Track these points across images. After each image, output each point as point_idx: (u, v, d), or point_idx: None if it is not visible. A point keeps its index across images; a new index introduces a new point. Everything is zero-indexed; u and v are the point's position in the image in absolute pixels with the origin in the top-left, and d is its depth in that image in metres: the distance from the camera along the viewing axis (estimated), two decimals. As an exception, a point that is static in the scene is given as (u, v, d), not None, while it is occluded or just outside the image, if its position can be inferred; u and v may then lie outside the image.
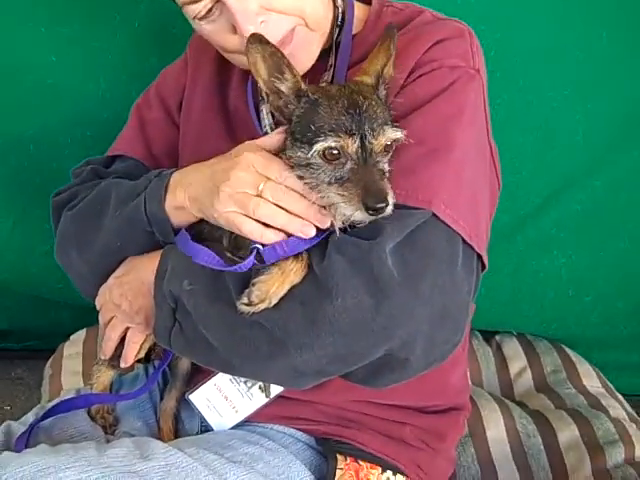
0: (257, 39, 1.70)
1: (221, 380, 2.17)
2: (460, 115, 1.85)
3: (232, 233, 1.83)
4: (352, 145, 1.63)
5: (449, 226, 1.75)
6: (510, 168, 2.83)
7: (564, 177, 2.95)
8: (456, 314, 1.79)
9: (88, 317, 2.54)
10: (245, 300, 1.68)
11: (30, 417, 2.22)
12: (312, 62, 2.02)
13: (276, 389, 2.14)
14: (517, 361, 3.22)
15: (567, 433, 2.71)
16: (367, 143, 1.63)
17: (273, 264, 1.70)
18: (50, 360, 3.17)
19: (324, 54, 2.06)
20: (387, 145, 1.68)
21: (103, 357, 2.22)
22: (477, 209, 1.88)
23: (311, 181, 1.68)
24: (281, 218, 1.71)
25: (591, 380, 3.09)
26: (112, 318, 2.14)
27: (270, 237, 1.71)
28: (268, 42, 1.70)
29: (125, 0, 2.85)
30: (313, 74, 1.98)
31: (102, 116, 2.92)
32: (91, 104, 2.94)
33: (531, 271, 3.14)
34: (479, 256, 1.89)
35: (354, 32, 2.10)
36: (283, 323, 1.68)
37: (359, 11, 2.15)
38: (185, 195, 1.88)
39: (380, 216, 1.61)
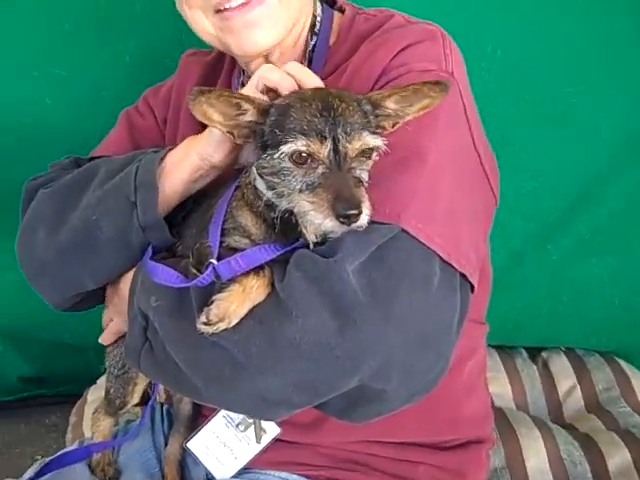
0: (196, 93, 1.61)
1: (217, 425, 2.09)
2: (433, 122, 1.70)
3: (196, 249, 1.76)
4: (323, 149, 1.52)
5: (422, 242, 1.59)
6: (532, 173, 2.71)
7: (591, 177, 2.73)
8: (437, 339, 1.64)
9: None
10: (203, 319, 1.57)
11: (29, 473, 2.14)
12: (273, 41, 1.93)
13: (270, 432, 2.04)
14: (566, 379, 3.00)
15: (617, 458, 2.49)
16: (340, 147, 1.52)
17: (235, 281, 1.59)
18: (75, 406, 3.12)
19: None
20: (364, 151, 1.55)
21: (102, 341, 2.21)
22: (458, 224, 1.71)
23: (282, 189, 1.58)
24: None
25: (648, 396, 2.86)
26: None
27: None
28: (209, 89, 1.62)
29: (115, 36, 2.83)
30: None
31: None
32: (90, 142, 2.85)
33: (569, 281, 2.93)
34: (464, 275, 1.71)
35: (331, 42, 2.03)
36: (243, 344, 1.58)
37: (335, 20, 2.08)
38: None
39: (354, 226, 1.48)
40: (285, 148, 1.54)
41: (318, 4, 2.09)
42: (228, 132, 1.70)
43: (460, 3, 2.52)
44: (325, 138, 1.52)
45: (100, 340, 2.21)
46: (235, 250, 1.68)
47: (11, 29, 2.78)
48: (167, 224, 1.90)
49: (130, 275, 1.93)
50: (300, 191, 1.55)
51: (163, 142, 2.30)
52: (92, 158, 2.25)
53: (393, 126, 1.67)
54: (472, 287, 1.76)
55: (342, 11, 2.11)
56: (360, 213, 1.46)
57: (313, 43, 2.04)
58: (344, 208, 1.46)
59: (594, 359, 3.05)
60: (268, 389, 1.60)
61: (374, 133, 1.57)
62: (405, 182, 1.63)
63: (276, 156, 1.56)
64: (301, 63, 1.99)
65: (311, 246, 1.62)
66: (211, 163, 1.85)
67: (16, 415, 4.02)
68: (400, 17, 1.97)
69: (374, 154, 1.58)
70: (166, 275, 1.74)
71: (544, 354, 3.13)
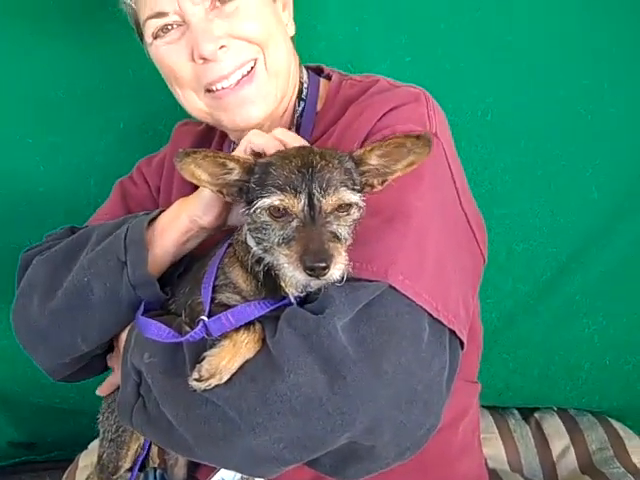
0: (182, 154, 1.66)
1: None
2: (418, 180, 1.74)
3: (188, 305, 1.80)
4: (297, 203, 1.55)
5: (410, 299, 1.62)
6: (522, 234, 2.74)
7: (582, 238, 2.76)
8: (426, 396, 1.64)
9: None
10: (195, 375, 1.61)
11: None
12: (265, 115, 2.02)
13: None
14: (559, 440, 2.97)
15: (610, 523, 2.46)
16: (315, 201, 1.55)
17: (225, 337, 1.63)
18: (66, 472, 3.04)
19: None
20: (341, 206, 1.58)
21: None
22: (445, 280, 1.75)
23: (265, 244, 1.63)
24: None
25: (641, 456, 2.83)
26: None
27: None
28: (194, 150, 1.66)
29: (109, 103, 2.85)
30: None
31: (94, 218, 2.88)
32: (83, 209, 2.86)
33: (561, 341, 2.93)
34: (453, 331, 1.73)
35: (318, 109, 2.09)
36: (235, 401, 1.60)
37: (321, 87, 2.15)
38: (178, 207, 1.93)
39: (323, 280, 1.52)
40: (260, 202, 1.59)
41: (304, 71, 2.17)
42: (218, 191, 1.74)
43: (451, 68, 2.58)
44: (300, 193, 1.55)
45: (97, 391, 2.22)
46: (226, 306, 1.71)
47: (5, 96, 2.80)
48: (160, 282, 1.93)
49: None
50: (278, 244, 1.59)
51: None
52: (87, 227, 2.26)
53: (382, 183, 1.70)
54: (462, 344, 1.79)
55: (329, 78, 2.18)
56: (327, 266, 1.48)
57: (301, 109, 2.11)
58: (310, 260, 1.49)
59: (587, 419, 3.03)
60: (259, 445, 1.61)
61: (353, 190, 1.60)
62: (392, 240, 1.67)
63: (252, 210, 1.62)
64: (289, 129, 2.06)
65: (292, 300, 1.66)
66: (200, 225, 1.89)
67: (7, 481, 3.95)
68: (385, 81, 2.03)
69: (353, 210, 1.61)
70: (158, 330, 1.76)
71: (537, 414, 3.11)
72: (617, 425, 3.00)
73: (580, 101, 2.59)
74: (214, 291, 1.75)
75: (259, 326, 1.65)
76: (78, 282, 1.97)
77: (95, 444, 3.06)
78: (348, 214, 1.60)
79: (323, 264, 1.49)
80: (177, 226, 1.92)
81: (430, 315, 1.65)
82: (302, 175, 1.57)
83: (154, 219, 1.99)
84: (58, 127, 2.85)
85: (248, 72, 1.99)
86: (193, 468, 2.30)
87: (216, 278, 1.77)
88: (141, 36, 2.12)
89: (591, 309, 2.85)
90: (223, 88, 2.00)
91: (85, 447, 3.14)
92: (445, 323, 1.69)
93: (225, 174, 1.71)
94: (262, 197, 1.60)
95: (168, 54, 2.01)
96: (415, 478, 1.91)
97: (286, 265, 1.56)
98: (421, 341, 1.62)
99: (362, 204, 1.61)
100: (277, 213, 1.59)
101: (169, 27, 1.97)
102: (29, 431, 3.72)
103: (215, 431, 1.63)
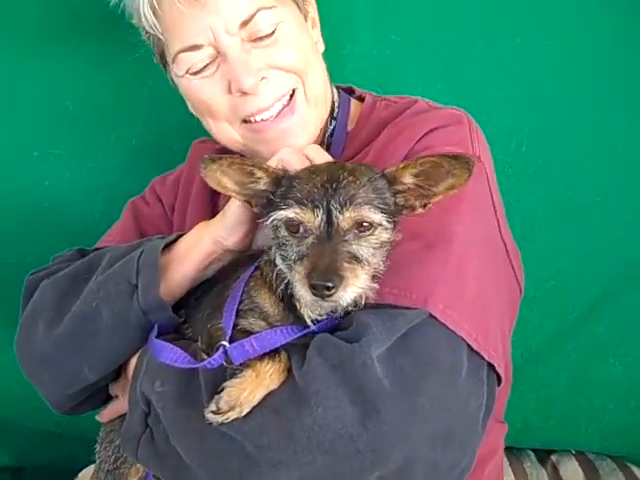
0: (207, 161, 1.61)
1: None
2: (459, 206, 1.66)
3: (206, 331, 1.71)
4: (314, 218, 1.49)
5: (450, 329, 1.53)
6: (552, 271, 2.65)
7: (613, 276, 2.67)
8: (463, 434, 1.56)
9: (97, 452, 2.33)
10: (213, 407, 1.50)
11: None
12: (308, 142, 1.94)
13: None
14: (577, 485, 2.86)
15: None
16: (334, 218, 1.48)
17: (248, 365, 1.52)
18: (57, 500, 2.88)
19: None
20: (362, 225, 1.50)
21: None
22: (486, 311, 1.66)
23: (287, 261, 1.55)
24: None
25: (663, 505, 2.73)
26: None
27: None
28: (220, 157, 1.62)
29: (121, 119, 2.75)
30: None
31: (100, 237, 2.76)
32: (89, 226, 2.78)
33: (586, 382, 2.83)
34: (491, 365, 1.64)
35: (349, 129, 2.02)
36: (255, 435, 1.48)
37: (353, 108, 2.08)
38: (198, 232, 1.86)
39: (331, 302, 1.44)
40: (276, 214, 1.54)
41: (335, 90, 2.11)
42: (245, 201, 1.67)
43: (485, 96, 2.51)
44: (317, 208, 1.48)
45: (97, 417, 2.09)
46: (249, 333, 1.60)
47: (11, 104, 2.71)
48: (175, 306, 1.85)
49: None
50: (294, 261, 1.52)
51: (170, 231, 2.23)
52: (97, 249, 2.15)
53: (424, 206, 1.61)
54: (499, 380, 1.70)
55: (362, 99, 2.11)
56: (333, 287, 1.40)
57: (332, 128, 2.04)
58: (317, 279, 1.41)
59: (606, 464, 2.93)
60: None
61: (380, 209, 1.52)
62: (432, 267, 1.58)
63: (269, 222, 1.56)
64: (322, 144, 2.00)
65: (309, 324, 1.55)
66: (224, 247, 1.80)
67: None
68: (424, 102, 1.96)
69: (378, 230, 1.52)
70: (173, 355, 1.66)
71: (553, 457, 3.00)
72: (636, 471, 2.90)
73: (619, 139, 2.53)
74: (237, 315, 1.64)
75: (285, 355, 1.54)
76: (86, 307, 1.86)
77: (88, 471, 2.95)
78: (372, 234, 1.52)
79: (329, 284, 1.40)
80: (199, 249, 1.83)
81: (469, 347, 1.56)
82: (324, 190, 1.50)
83: (172, 243, 1.89)
84: (66, 140, 2.75)
85: (288, 102, 1.93)
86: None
87: (240, 302, 1.67)
88: (165, 64, 2.05)
89: (619, 349, 2.76)
90: (263, 120, 1.93)
91: (76, 475, 3.01)
92: (485, 357, 1.60)
93: (252, 183, 1.64)
94: (280, 209, 1.54)
95: (202, 89, 1.94)
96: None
97: (296, 283, 1.49)
98: (459, 375, 1.53)
99: (388, 225, 1.53)
100: (294, 228, 1.53)
101: (204, 66, 1.90)
102: (18, 455, 3.55)
103: (231, 468, 1.51)
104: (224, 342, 1.56)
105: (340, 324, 1.57)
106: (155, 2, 1.87)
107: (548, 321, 2.72)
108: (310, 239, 1.50)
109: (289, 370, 1.53)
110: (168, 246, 1.88)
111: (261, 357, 1.52)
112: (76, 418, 2.18)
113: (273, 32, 1.85)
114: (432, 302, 1.52)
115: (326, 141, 2.05)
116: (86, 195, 2.82)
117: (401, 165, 1.57)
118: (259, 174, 1.63)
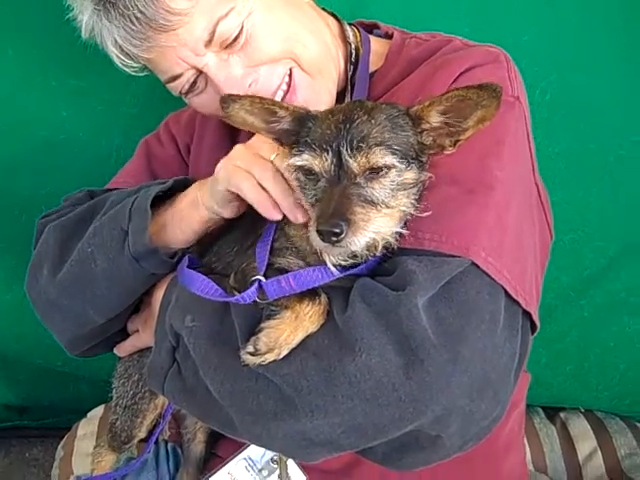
0: (228, 100, 1.59)
1: (236, 468, 1.95)
2: (499, 149, 1.62)
3: (238, 267, 1.67)
4: (323, 162, 1.46)
5: (491, 277, 1.50)
6: (571, 224, 2.60)
7: (633, 234, 2.62)
8: (497, 384, 1.53)
9: (107, 392, 2.29)
10: (250, 349, 1.48)
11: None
12: (327, 106, 1.85)
13: (295, 479, 1.90)
14: (586, 442, 2.84)
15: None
16: (344, 160, 1.44)
17: (286, 307, 1.49)
18: (63, 440, 2.88)
19: (341, 95, 1.93)
20: (374, 167, 1.46)
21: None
22: (523, 259, 1.64)
23: (305, 205, 1.54)
24: (255, 193, 1.61)
25: (674, 464, 2.70)
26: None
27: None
28: (240, 95, 1.60)
29: None
30: None
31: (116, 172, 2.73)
32: (105, 160, 2.77)
33: (599, 340, 2.80)
34: (526, 314, 1.62)
35: (374, 68, 1.95)
36: (293, 379, 1.47)
37: (378, 46, 2.01)
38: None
39: (340, 247, 1.41)
40: (291, 161, 1.52)
41: (349, 31, 2.03)
42: (274, 139, 1.64)
43: (513, 42, 2.34)
44: (326, 151, 1.45)
45: (115, 350, 2.11)
46: (285, 272, 1.56)
47: (27, 33, 2.67)
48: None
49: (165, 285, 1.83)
50: (311, 205, 1.50)
51: (183, 172, 2.21)
52: (107, 190, 2.15)
53: (455, 144, 1.56)
54: (533, 327, 1.68)
55: (389, 36, 2.05)
56: (342, 232, 1.37)
57: (352, 69, 1.98)
58: (323, 225, 1.39)
59: (615, 423, 2.90)
60: (315, 429, 1.48)
61: (395, 150, 1.47)
62: (473, 213, 1.54)
63: (284, 168, 1.56)
64: (344, 90, 1.96)
65: (333, 270, 1.51)
66: (222, 217, 1.77)
67: (-5, 446, 3.81)
68: (458, 40, 1.90)
69: (393, 172, 1.48)
70: (205, 286, 1.63)
71: (562, 415, 2.98)
72: (646, 431, 2.87)
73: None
74: (272, 254, 1.61)
75: (325, 298, 1.51)
76: (83, 253, 1.86)
77: (95, 412, 2.97)
78: (385, 176, 1.47)
79: (336, 229, 1.37)
80: (195, 215, 1.80)
81: (507, 295, 1.54)
82: (337, 131, 1.46)
83: (174, 192, 1.88)
84: (84, 70, 2.69)
85: (288, 86, 1.87)
86: (213, 444, 2.18)
87: (275, 240, 1.63)
88: None
89: (634, 308, 2.72)
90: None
91: (83, 415, 3.00)
92: (522, 304, 1.57)
93: (275, 122, 1.61)
94: (293, 155, 1.52)
95: (202, 104, 1.94)
96: (460, 473, 1.81)
97: (310, 228, 1.46)
98: (497, 324, 1.51)
99: (402, 166, 1.48)
100: (308, 173, 1.50)
101: (193, 84, 1.88)
102: (24, 394, 3.56)
103: (264, 409, 1.50)
104: (260, 277, 1.54)
105: (382, 267, 1.54)
106: (122, 57, 1.86)
107: (564, 275, 2.67)
108: (322, 182, 1.48)
109: (328, 313, 1.51)
110: (172, 197, 1.87)
111: (300, 298, 1.50)
112: (86, 358, 2.19)
113: (241, 31, 1.77)
114: (474, 250, 1.50)
115: (350, 82, 1.99)
116: (103, 127, 2.78)
117: (426, 103, 1.52)
118: (281, 112, 1.59)
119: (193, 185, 1.84)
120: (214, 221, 1.79)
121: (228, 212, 1.73)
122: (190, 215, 1.80)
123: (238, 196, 1.66)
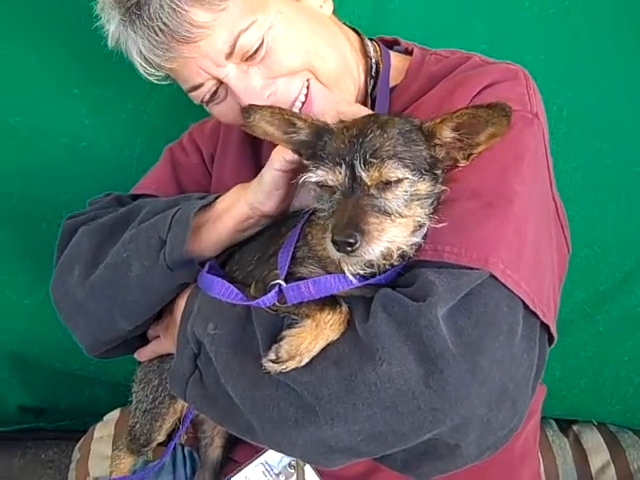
0: (249, 110, 1.65)
1: (253, 473, 1.98)
2: (519, 164, 1.65)
3: (259, 276, 1.71)
4: (337, 175, 1.50)
5: (509, 289, 1.53)
6: (587, 239, 2.62)
7: (646, 248, 2.64)
8: (515, 395, 1.56)
9: (124, 396, 2.33)
10: (272, 356, 1.51)
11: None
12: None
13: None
14: (599, 455, 2.85)
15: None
16: (357, 173, 1.48)
17: (307, 315, 1.53)
18: (80, 442, 2.92)
19: None
20: (388, 182, 1.50)
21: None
22: (541, 271, 1.67)
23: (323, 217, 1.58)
24: None
25: (686, 479, 2.70)
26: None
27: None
28: (261, 106, 1.65)
29: None
30: None
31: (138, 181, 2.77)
32: (126, 168, 2.81)
33: (613, 354, 2.81)
34: (544, 326, 1.65)
35: (394, 83, 1.98)
36: (314, 387, 1.50)
37: (398, 61, 2.04)
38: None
39: (355, 257, 1.46)
40: (306, 176, 1.56)
41: (370, 46, 2.06)
42: (294, 150, 1.67)
43: (530, 59, 2.39)
44: (340, 165, 1.49)
45: (136, 355, 2.14)
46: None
47: (51, 41, 2.70)
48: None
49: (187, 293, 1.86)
50: (327, 217, 1.54)
51: (207, 181, 2.25)
52: (133, 196, 2.19)
53: (467, 158, 1.61)
54: (550, 339, 1.71)
55: (409, 53, 2.08)
56: (356, 242, 1.41)
57: (373, 83, 2.02)
58: (337, 235, 1.43)
59: (628, 437, 2.91)
60: (335, 436, 1.51)
61: (407, 163, 1.51)
62: (492, 226, 1.57)
63: (299, 183, 1.61)
64: (364, 104, 1.97)
65: (353, 280, 1.54)
66: (261, 212, 1.80)
67: (11, 447, 3.84)
68: (477, 57, 1.93)
69: (405, 183, 1.51)
70: (224, 290, 1.67)
71: (575, 427, 2.98)
72: (659, 446, 2.88)
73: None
74: (294, 263, 1.64)
75: (346, 306, 1.55)
76: (118, 257, 1.90)
77: (112, 415, 3.00)
78: (398, 187, 1.51)
79: (350, 240, 1.41)
80: (235, 213, 1.83)
81: (525, 307, 1.57)
82: (351, 145, 1.51)
83: (208, 205, 1.90)
84: (107, 79, 2.73)
85: (306, 96, 1.91)
86: (230, 449, 2.21)
87: (297, 249, 1.66)
88: None
89: (649, 323, 2.73)
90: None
91: (100, 418, 3.04)
92: (540, 316, 1.60)
93: (294, 133, 1.66)
94: (309, 170, 1.56)
95: (222, 113, 1.97)
96: (475, 484, 1.82)
97: (326, 239, 1.49)
98: (515, 336, 1.54)
99: (414, 178, 1.52)
100: (325, 186, 1.55)
101: (214, 93, 1.92)
102: (41, 396, 3.58)
103: (285, 416, 1.53)
104: (280, 281, 1.57)
105: (402, 278, 1.57)
106: (146, 66, 1.90)
107: (579, 290, 2.69)
108: (337, 195, 1.52)
109: (349, 322, 1.54)
110: (206, 206, 1.90)
111: (321, 307, 1.53)
112: (103, 362, 2.22)
113: (261, 44, 1.81)
114: (493, 262, 1.52)
115: (370, 97, 2.03)
116: (125, 136, 2.82)
117: (438, 120, 1.57)
118: (300, 124, 1.64)
119: (233, 189, 1.89)
120: (248, 223, 1.83)
121: (268, 205, 1.78)
122: (227, 213, 1.84)
123: (283, 187, 1.73)
